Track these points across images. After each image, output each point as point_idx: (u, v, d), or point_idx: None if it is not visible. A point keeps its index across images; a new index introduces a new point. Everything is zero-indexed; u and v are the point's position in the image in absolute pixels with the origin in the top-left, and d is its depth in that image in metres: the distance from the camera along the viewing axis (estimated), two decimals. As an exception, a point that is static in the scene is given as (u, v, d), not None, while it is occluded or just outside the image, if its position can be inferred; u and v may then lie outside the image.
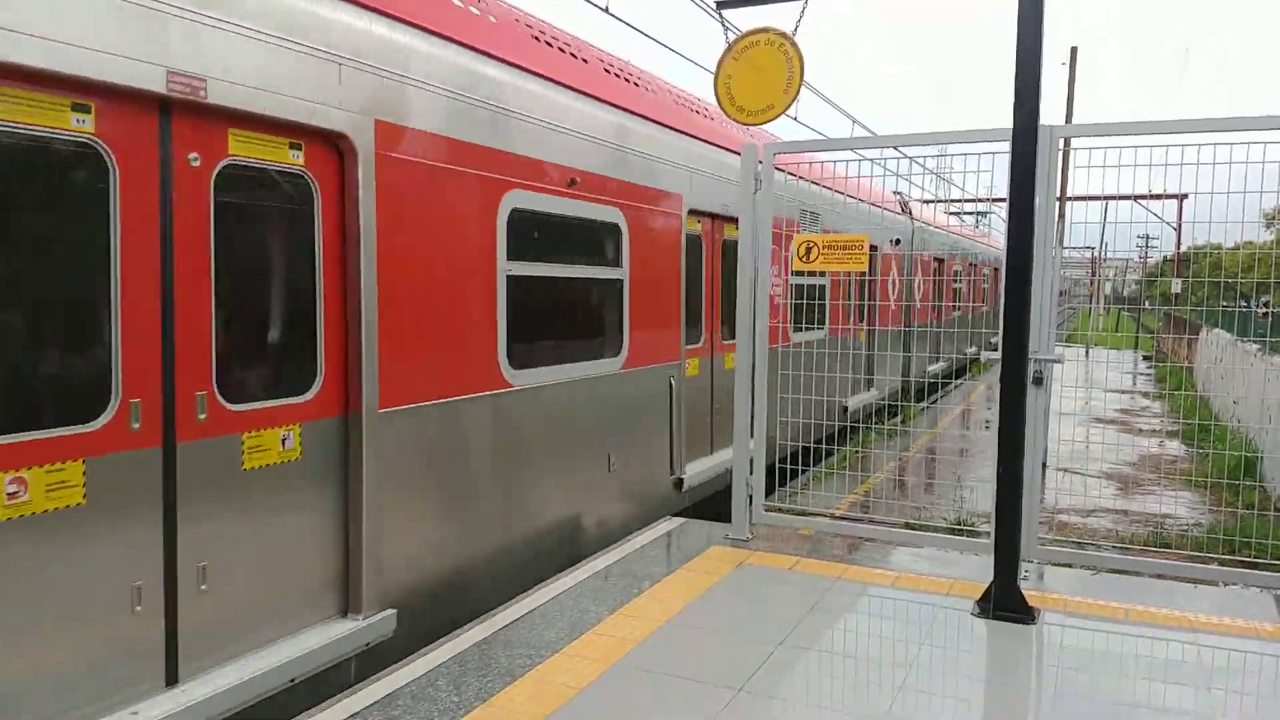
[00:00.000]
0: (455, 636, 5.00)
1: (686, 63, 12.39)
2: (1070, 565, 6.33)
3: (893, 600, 5.74)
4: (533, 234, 6.26)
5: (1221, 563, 6.15)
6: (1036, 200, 5.36)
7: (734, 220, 9.01)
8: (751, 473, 7.03)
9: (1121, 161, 5.95)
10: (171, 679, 4.04)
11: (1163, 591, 5.91)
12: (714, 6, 6.82)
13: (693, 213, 8.35)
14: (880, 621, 5.42)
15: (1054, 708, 4.36)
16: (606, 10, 10.27)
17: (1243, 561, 6.07)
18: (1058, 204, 15.39)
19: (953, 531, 7.42)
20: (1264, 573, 5.93)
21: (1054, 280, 11.91)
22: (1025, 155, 5.22)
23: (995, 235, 28.92)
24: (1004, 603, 5.38)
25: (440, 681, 4.43)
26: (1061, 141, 8.92)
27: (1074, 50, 26.81)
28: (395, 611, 5.03)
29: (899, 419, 14.30)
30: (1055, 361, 5.87)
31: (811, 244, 6.74)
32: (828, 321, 11.55)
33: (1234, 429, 12.70)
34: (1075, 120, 27.05)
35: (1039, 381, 5.86)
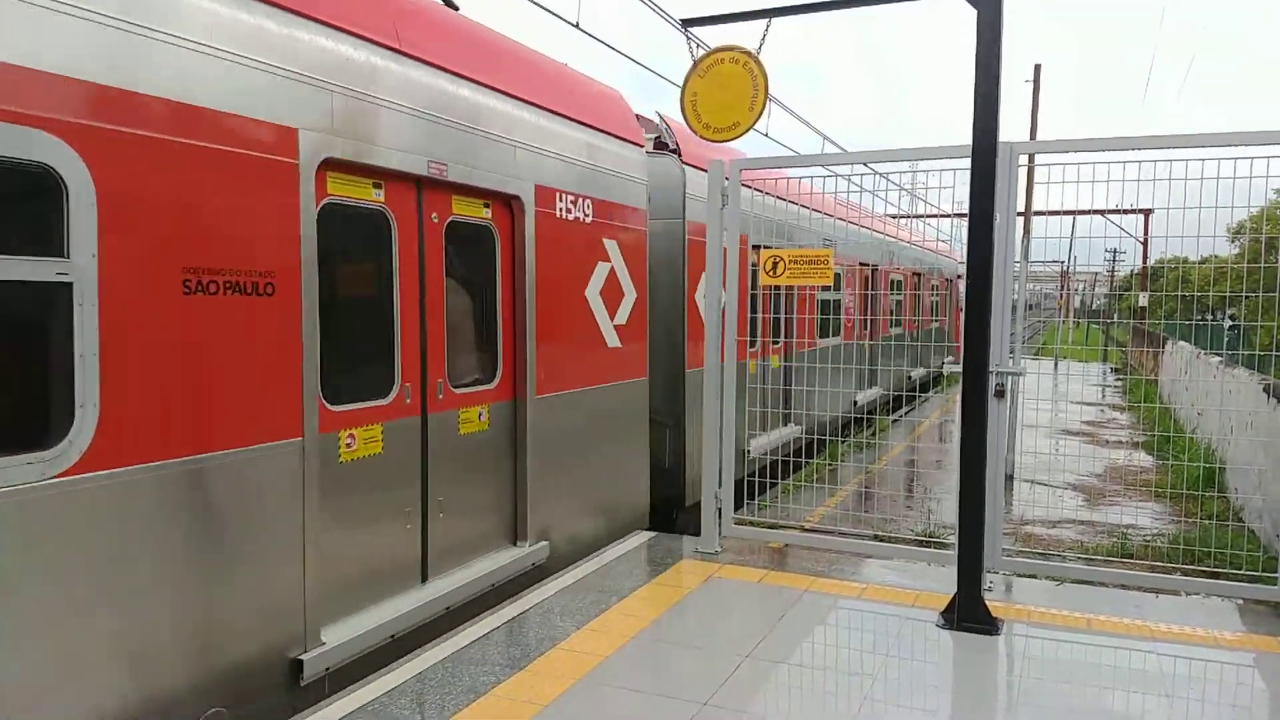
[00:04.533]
0: (420, 653, 4.98)
1: (657, 78, 12.45)
2: (1036, 576, 6.39)
3: (860, 612, 5.77)
4: None
5: (1184, 573, 6.21)
6: (996, 216, 5.44)
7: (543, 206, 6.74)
8: (720, 486, 7.05)
9: (1080, 178, 6.05)
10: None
11: (1126, 601, 5.98)
12: (681, 23, 6.87)
13: (434, 185, 5.63)
14: (847, 633, 5.45)
15: (1015, 717, 4.40)
16: (577, 26, 10.34)
17: (1204, 571, 6.13)
18: (1022, 219, 15.39)
19: (921, 543, 7.47)
20: (1225, 582, 6.02)
21: (1021, 294, 12.06)
22: (984, 171, 5.30)
23: (949, 244, 26.71)
24: (968, 614, 5.42)
25: (402, 700, 4.40)
26: (1026, 157, 9.07)
27: (1038, 68, 27.21)
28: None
29: (870, 431, 14.37)
30: (1016, 374, 5.94)
31: (778, 258, 6.79)
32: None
33: (1198, 440, 12.88)
34: (1040, 137, 27.42)
35: (1001, 394, 5.92)
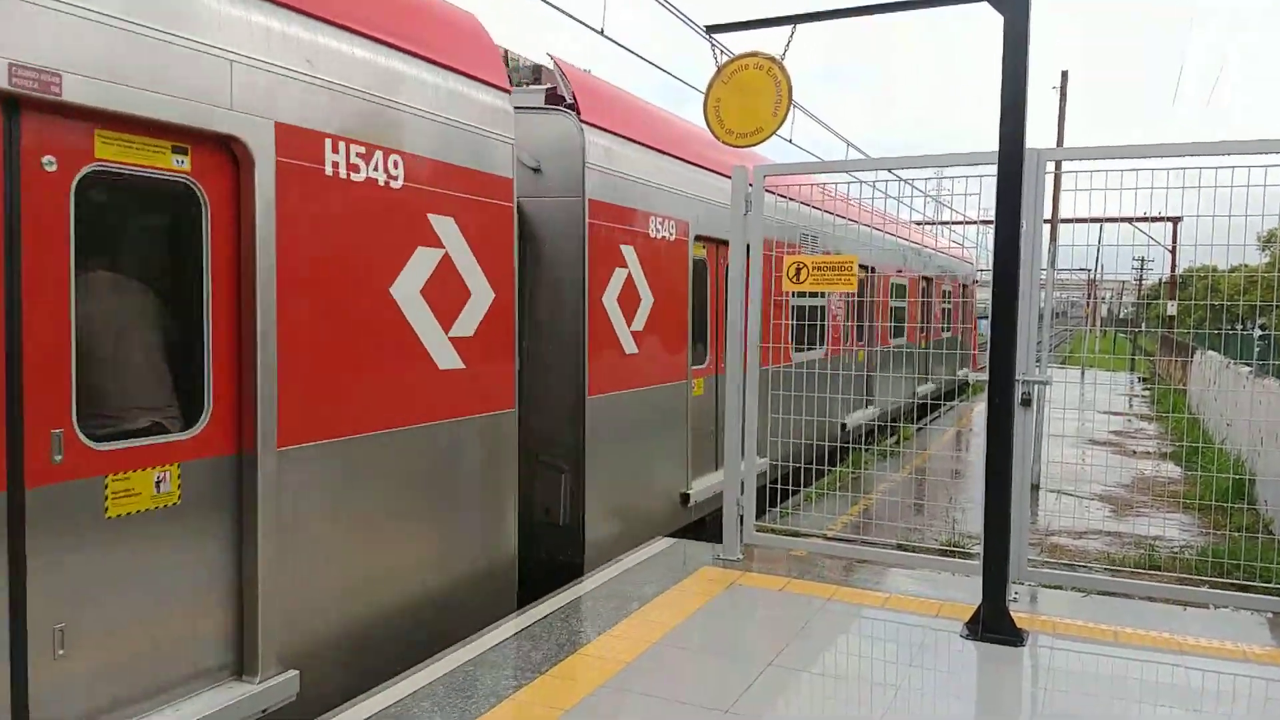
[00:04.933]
0: (442, 656, 4.98)
1: (680, 84, 12.48)
2: (1061, 587, 6.32)
3: (883, 621, 5.73)
4: None
5: (1212, 585, 6.13)
6: (1023, 222, 5.40)
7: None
8: (742, 493, 7.02)
9: (1108, 185, 5.99)
10: None
11: (1153, 614, 5.90)
12: (705, 29, 6.88)
13: (46, 109, 3.60)
14: (870, 642, 5.41)
15: (1041, 730, 4.35)
16: (601, 32, 10.38)
17: (1233, 584, 6.04)
18: (1049, 226, 15.18)
19: (945, 553, 7.41)
20: (1255, 595, 5.92)
21: (1048, 301, 11.92)
22: (1010, 178, 5.26)
23: (966, 248, 24.51)
24: (992, 625, 5.37)
25: (425, 703, 4.41)
26: (1052, 164, 8.98)
27: (1064, 74, 27.01)
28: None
29: (894, 439, 14.30)
30: (1043, 383, 5.88)
31: (802, 265, 6.77)
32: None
33: (1227, 451, 12.72)
34: (1067, 143, 27.22)
35: (1027, 403, 5.87)
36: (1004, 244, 5.32)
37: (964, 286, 23.29)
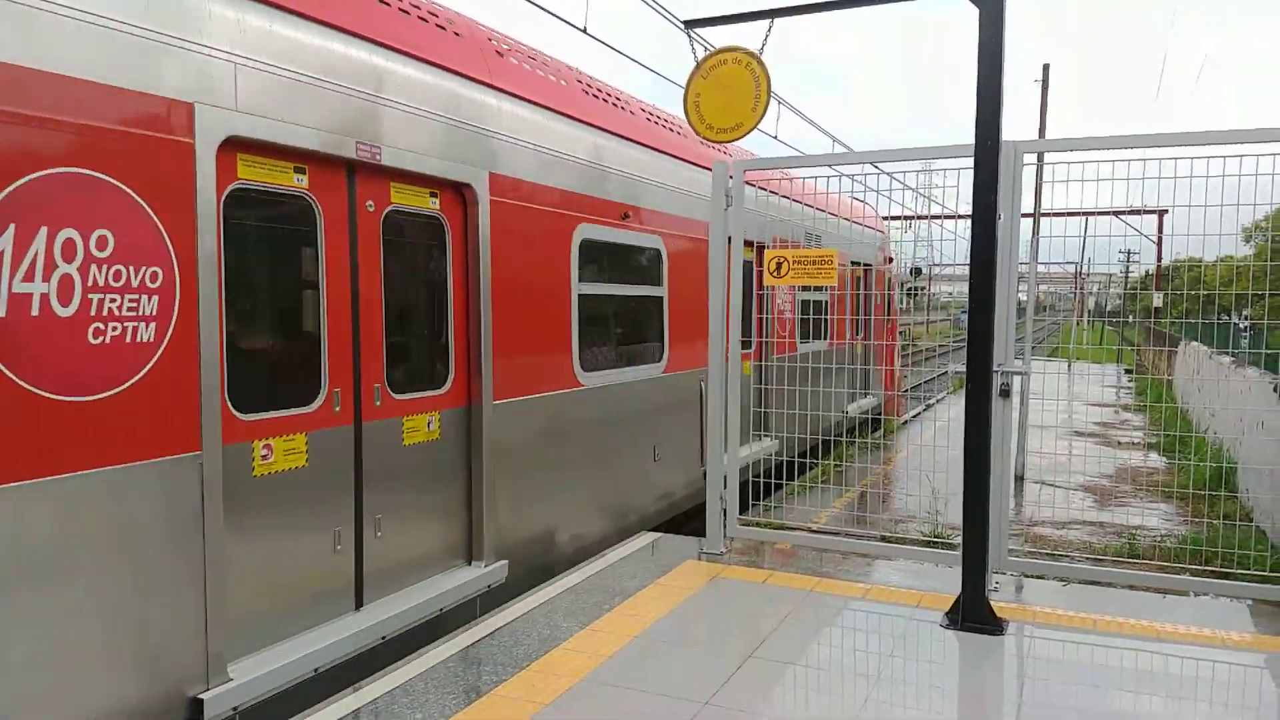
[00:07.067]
0: (424, 653, 4.99)
1: (661, 79, 12.47)
2: (1044, 577, 6.35)
3: (864, 612, 5.75)
4: None
5: (1193, 573, 6.17)
6: (1000, 214, 5.42)
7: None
8: (725, 487, 7.03)
9: (1089, 176, 6.01)
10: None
11: (1133, 602, 5.94)
12: (683, 24, 6.88)
13: None
14: (851, 633, 5.43)
15: (1017, 718, 4.37)
16: (584, 30, 10.36)
17: (1213, 571, 6.08)
18: (1031, 219, 15.01)
19: (928, 544, 7.44)
20: (1234, 583, 5.97)
21: (1030, 294, 11.90)
22: (986, 171, 5.28)
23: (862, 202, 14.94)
24: (972, 614, 5.40)
25: (404, 699, 4.41)
26: (1035, 157, 8.98)
27: (1046, 67, 27.04)
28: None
29: (879, 432, 14.33)
30: (1020, 373, 5.91)
31: (782, 259, 6.77)
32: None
33: (1210, 440, 12.77)
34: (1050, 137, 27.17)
35: (1006, 394, 5.89)
36: (979, 236, 5.34)
37: (867, 269, 14.73)
